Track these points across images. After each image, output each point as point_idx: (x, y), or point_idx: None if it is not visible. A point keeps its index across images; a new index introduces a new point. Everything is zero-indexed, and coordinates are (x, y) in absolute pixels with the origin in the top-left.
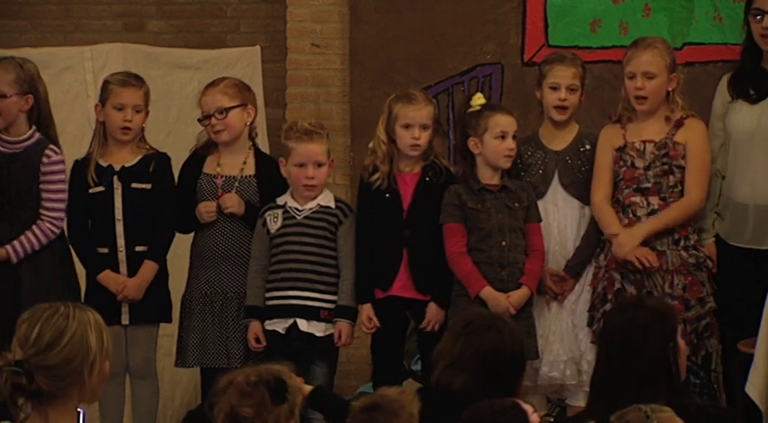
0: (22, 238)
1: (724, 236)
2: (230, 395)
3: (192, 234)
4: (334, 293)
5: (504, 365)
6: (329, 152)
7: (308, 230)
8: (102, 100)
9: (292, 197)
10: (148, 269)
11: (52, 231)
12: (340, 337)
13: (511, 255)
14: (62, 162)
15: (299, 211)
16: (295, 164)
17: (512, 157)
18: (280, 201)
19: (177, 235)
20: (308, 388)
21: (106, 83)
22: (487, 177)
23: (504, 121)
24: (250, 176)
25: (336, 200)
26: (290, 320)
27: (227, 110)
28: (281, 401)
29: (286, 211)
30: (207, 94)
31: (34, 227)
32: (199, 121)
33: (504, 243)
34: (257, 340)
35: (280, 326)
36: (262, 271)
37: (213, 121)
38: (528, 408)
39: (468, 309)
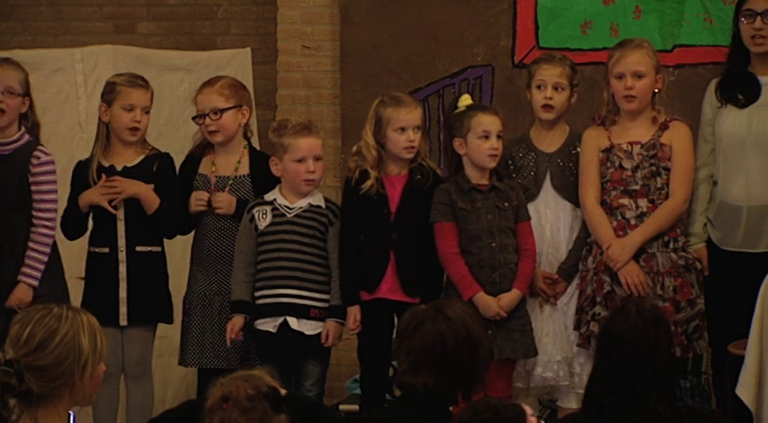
0: (27, 260)
1: (717, 241)
2: (230, 411)
3: (190, 236)
4: (324, 293)
5: (452, 353)
6: None
7: (300, 229)
8: (108, 101)
9: (281, 194)
10: (152, 192)
11: (49, 235)
12: (327, 336)
13: (501, 256)
14: (52, 163)
15: (290, 208)
16: (294, 159)
17: (496, 156)
18: (268, 197)
19: (176, 237)
20: (282, 392)
21: (112, 84)
22: (476, 177)
23: (486, 121)
24: (244, 176)
25: (326, 200)
26: (281, 319)
27: (222, 111)
28: (280, 411)
29: (275, 209)
30: (203, 93)
31: (31, 243)
32: (193, 119)
33: (494, 244)
34: (238, 335)
35: (270, 325)
36: (247, 266)
37: (207, 121)
38: (528, 409)
39: (408, 310)
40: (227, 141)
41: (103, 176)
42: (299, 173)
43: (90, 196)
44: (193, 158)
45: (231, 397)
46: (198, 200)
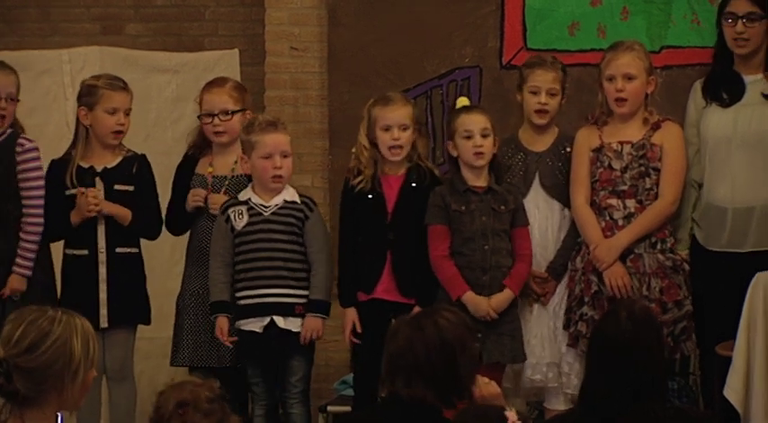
0: (19, 251)
1: (702, 241)
2: (191, 416)
3: (177, 237)
4: (307, 288)
5: (423, 360)
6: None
7: (278, 226)
8: (89, 104)
9: (255, 193)
10: (125, 211)
11: (38, 223)
12: (309, 332)
13: (494, 258)
14: (37, 149)
15: (266, 207)
16: (261, 156)
17: (482, 154)
18: (242, 197)
19: (160, 239)
20: None
21: (92, 87)
22: (472, 179)
23: (467, 121)
24: (241, 176)
25: (300, 195)
26: (267, 319)
27: (233, 113)
28: (234, 412)
29: (251, 208)
30: (212, 92)
31: (22, 233)
32: (198, 117)
33: (486, 247)
34: (228, 336)
35: (257, 325)
36: (225, 267)
37: (216, 121)
38: (510, 415)
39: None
40: (230, 143)
41: (79, 193)
42: (267, 169)
43: (78, 215)
44: (190, 159)
45: (189, 402)
46: (195, 196)
